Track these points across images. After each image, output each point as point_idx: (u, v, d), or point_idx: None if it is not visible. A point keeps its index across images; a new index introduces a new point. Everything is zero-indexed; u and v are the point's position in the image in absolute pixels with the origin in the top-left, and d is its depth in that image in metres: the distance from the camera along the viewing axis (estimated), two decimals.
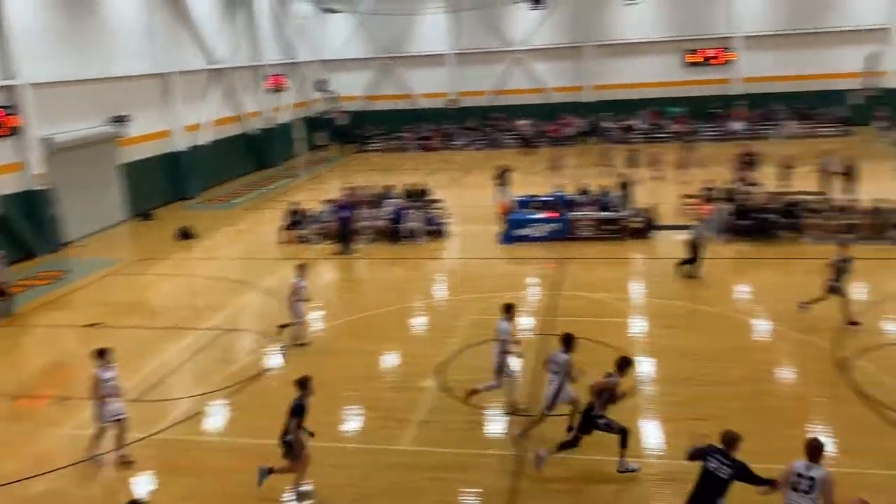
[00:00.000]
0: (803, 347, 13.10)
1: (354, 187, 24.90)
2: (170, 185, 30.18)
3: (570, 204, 22.16)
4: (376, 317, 15.86)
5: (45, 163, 23.17)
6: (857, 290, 15.89)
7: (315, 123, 43.56)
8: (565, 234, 21.03)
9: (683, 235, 18.04)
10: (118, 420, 10.36)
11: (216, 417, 11.92)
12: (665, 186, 27.07)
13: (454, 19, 43.00)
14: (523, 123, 41.38)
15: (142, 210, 27.76)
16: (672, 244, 20.04)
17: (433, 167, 35.32)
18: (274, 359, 13.94)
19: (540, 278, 18.02)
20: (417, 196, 24.78)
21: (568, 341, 10.03)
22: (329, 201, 23.80)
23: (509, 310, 11.30)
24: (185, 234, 23.94)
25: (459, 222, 23.59)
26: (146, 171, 28.54)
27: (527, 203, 23.09)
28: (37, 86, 22.80)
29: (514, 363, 11.38)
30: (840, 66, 38.02)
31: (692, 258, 17.24)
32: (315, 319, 15.48)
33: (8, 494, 9.84)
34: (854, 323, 13.64)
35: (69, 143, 24.05)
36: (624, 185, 23.04)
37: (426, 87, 44.22)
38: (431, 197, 24.94)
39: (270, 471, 9.38)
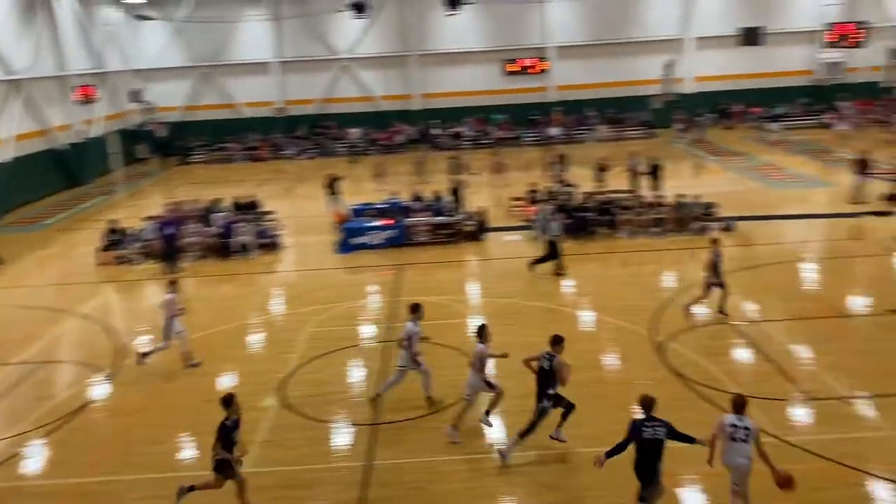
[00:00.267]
0: (625, 335, 14.13)
1: (179, 202, 23.69)
2: None
3: (405, 210, 22.47)
4: (211, 336, 15.17)
5: None
6: (666, 278, 17.45)
7: (133, 136, 41.02)
8: (402, 240, 21.27)
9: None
10: None
11: (35, 459, 10.91)
12: (489, 190, 28.12)
13: (277, 27, 42.17)
14: (354, 132, 41.42)
15: None
16: (503, 245, 20.90)
17: (262, 178, 34.41)
18: (98, 390, 12.96)
19: (379, 286, 18.12)
20: (247, 209, 24.04)
21: (481, 332, 10.47)
22: (151, 217, 22.50)
23: (416, 309, 11.41)
24: None
25: (293, 234, 23.15)
26: None
27: (362, 211, 23.14)
28: None
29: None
30: (642, 74, 41.35)
31: (551, 255, 18.06)
32: (143, 344, 14.58)
33: None
34: (724, 313, 14.61)
35: None
36: (455, 190, 23.74)
37: (250, 96, 42.96)
38: (262, 209, 24.31)
39: (191, 488, 9.10)
